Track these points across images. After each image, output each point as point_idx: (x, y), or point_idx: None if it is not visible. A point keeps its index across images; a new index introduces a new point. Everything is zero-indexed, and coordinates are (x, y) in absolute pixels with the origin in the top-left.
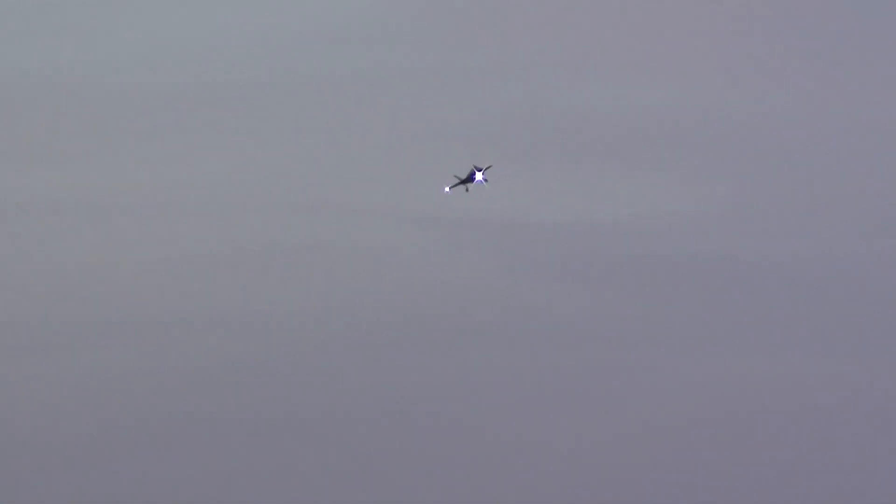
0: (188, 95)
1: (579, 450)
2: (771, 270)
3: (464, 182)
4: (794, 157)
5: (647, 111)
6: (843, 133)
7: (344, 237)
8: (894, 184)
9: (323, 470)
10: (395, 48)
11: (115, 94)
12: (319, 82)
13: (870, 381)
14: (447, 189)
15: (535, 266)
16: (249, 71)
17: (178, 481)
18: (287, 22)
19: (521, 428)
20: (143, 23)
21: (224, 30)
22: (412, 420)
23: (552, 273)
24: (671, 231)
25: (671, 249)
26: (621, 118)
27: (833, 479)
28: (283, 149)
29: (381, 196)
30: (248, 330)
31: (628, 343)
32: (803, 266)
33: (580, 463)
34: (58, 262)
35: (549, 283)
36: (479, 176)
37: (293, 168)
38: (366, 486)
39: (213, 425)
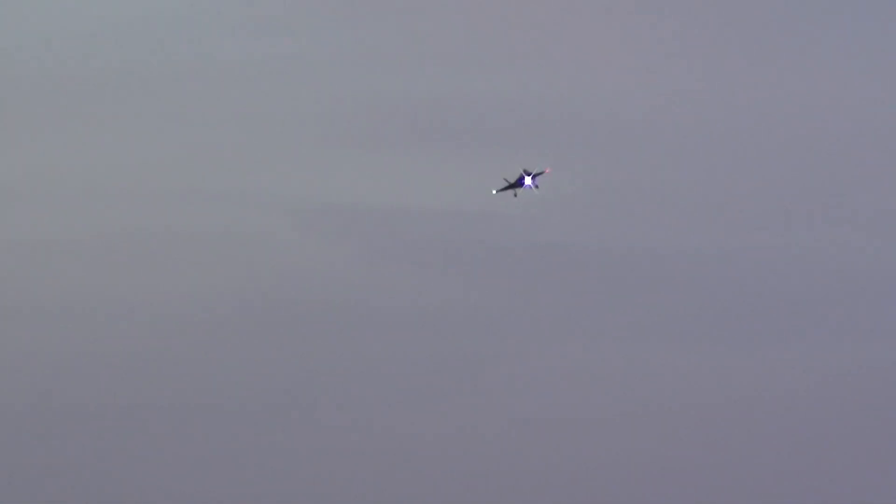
0: (62, 84)
1: (438, 435)
2: (623, 257)
3: (512, 186)
4: (646, 146)
5: (502, 99)
6: (716, 123)
7: (210, 224)
8: (767, 179)
9: (192, 450)
10: (261, 40)
11: None
12: (189, 72)
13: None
14: (494, 192)
15: (396, 253)
16: (124, 60)
17: (46, 470)
18: (159, 13)
19: (378, 411)
20: (23, 12)
21: (101, 20)
22: (281, 404)
23: (414, 259)
24: (525, 219)
25: (525, 237)
26: (480, 107)
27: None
28: (155, 137)
29: (247, 184)
30: (115, 316)
31: (490, 330)
32: (648, 253)
33: (439, 448)
34: None
35: (411, 270)
36: (528, 181)
37: (164, 156)
38: (230, 467)
39: (84, 413)
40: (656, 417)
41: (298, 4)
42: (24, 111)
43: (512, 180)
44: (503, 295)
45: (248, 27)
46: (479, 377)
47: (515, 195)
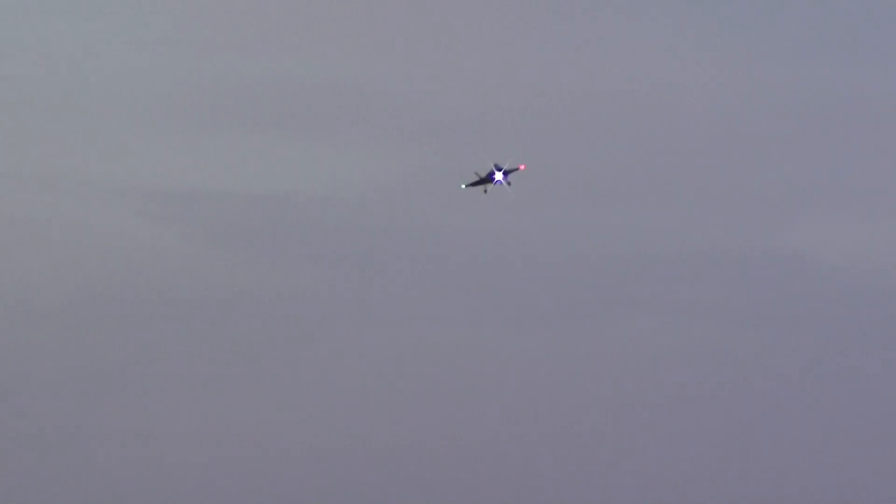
0: None
1: (248, 417)
2: (460, 240)
3: (483, 181)
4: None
5: (337, 85)
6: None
7: (37, 209)
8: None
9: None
10: (94, 23)
11: None
12: (22, 56)
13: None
14: (463, 186)
15: (232, 237)
16: None
17: None
18: None
19: (219, 399)
20: None
21: None
22: (107, 389)
23: (249, 244)
24: (365, 202)
25: (363, 221)
26: (316, 92)
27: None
28: None
29: (72, 167)
30: None
31: (330, 313)
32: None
33: (249, 430)
34: None
35: (245, 254)
36: (498, 176)
37: None
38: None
39: None
40: (491, 396)
41: None
42: None
43: (483, 174)
44: (335, 279)
45: (82, 11)
46: (300, 357)
47: (486, 191)
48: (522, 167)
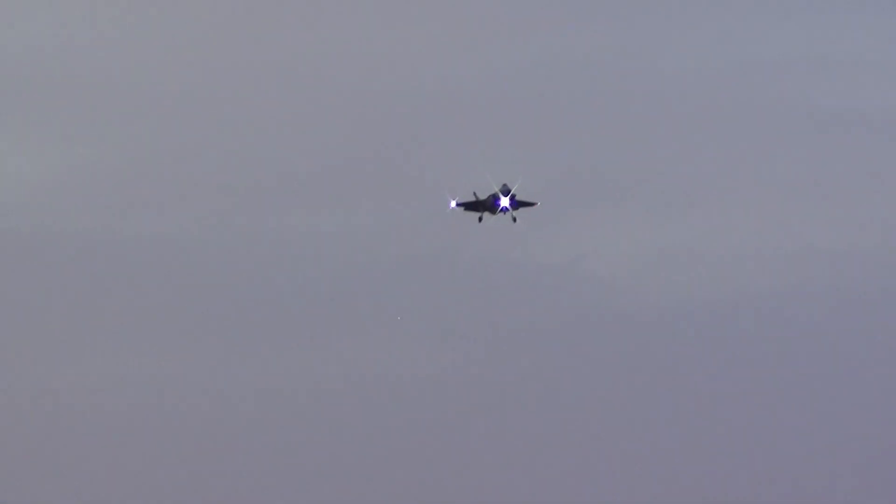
0: None
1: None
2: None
3: (479, 206)
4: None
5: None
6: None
7: None
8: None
9: None
10: None
11: None
12: None
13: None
14: (452, 205)
15: None
16: None
17: None
18: None
19: None
20: None
21: None
22: None
23: None
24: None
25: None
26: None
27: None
28: None
29: None
30: None
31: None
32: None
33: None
34: None
35: None
36: (504, 202)
37: None
38: None
39: None
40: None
41: None
42: None
43: (482, 197)
44: None
45: None
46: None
47: (480, 220)
48: (537, 204)
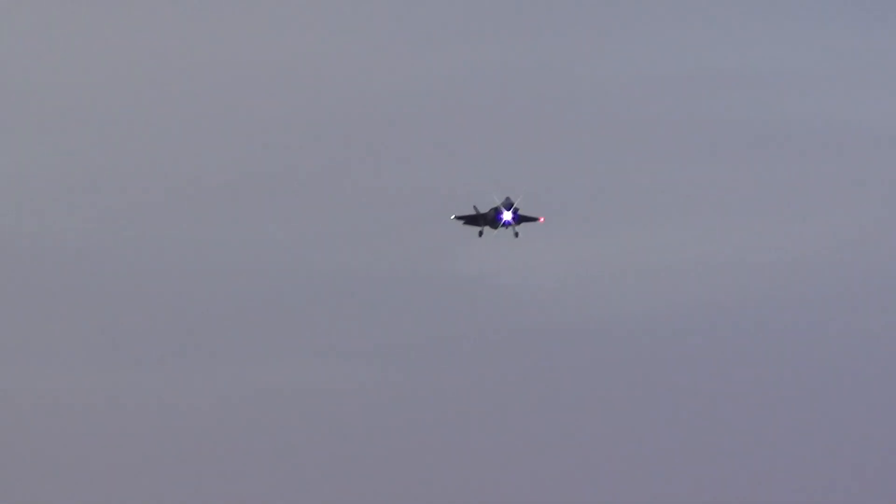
0: None
1: None
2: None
3: (479, 220)
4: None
5: None
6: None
7: None
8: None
9: None
10: None
11: None
12: None
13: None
14: (453, 217)
15: None
16: None
17: None
18: None
19: None
20: None
21: None
22: None
23: None
24: None
25: None
26: None
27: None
28: None
29: None
30: None
31: None
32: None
33: None
34: None
35: None
36: (507, 216)
37: None
38: None
39: None
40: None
41: None
42: None
43: (483, 210)
44: None
45: None
46: None
47: (480, 234)
48: (542, 220)
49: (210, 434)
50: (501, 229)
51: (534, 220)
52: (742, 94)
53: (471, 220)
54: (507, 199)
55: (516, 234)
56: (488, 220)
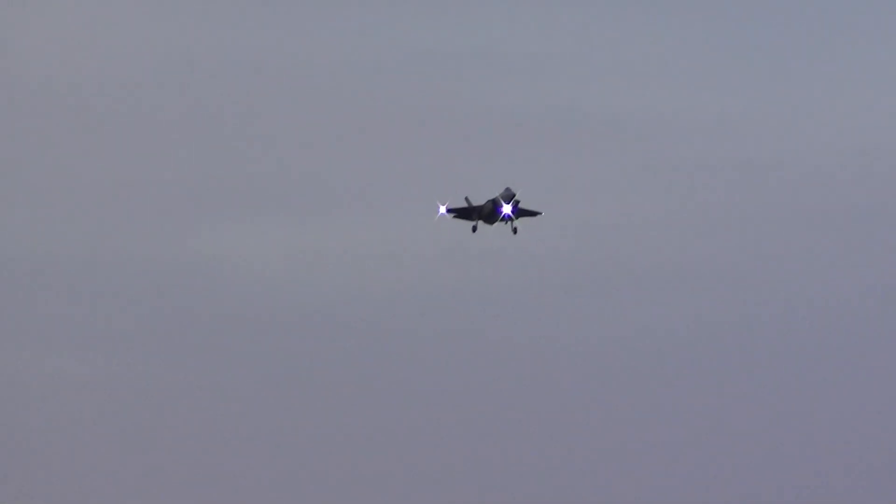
0: None
1: None
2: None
3: (472, 212)
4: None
5: None
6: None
7: None
8: None
9: None
10: None
11: None
12: None
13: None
14: (442, 210)
15: None
16: None
17: None
18: None
19: None
20: None
21: None
22: None
23: None
24: None
25: None
26: None
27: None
28: None
29: None
30: None
31: None
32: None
33: None
34: None
35: None
36: (506, 209)
37: None
38: None
39: None
40: None
41: None
42: None
43: (478, 203)
44: None
45: None
46: None
47: (474, 230)
48: (542, 213)
49: None
50: (499, 224)
51: (535, 214)
52: (485, 78)
53: (463, 213)
54: (507, 189)
55: (514, 230)
56: (484, 213)
